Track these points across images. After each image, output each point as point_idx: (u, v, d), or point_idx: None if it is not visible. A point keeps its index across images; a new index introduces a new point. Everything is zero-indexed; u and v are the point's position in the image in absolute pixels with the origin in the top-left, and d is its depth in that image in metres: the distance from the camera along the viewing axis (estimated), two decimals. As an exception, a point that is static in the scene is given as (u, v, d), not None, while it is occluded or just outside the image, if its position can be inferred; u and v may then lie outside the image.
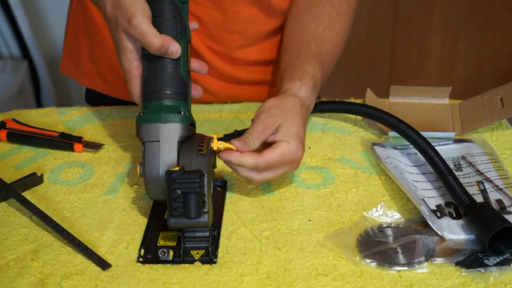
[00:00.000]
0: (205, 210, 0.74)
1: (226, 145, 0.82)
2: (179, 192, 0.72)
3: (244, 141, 0.82)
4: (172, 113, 0.78)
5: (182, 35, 0.81)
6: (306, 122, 0.90)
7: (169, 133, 0.78)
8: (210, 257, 0.76)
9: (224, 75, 1.11)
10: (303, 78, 0.93)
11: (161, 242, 0.79)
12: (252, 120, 0.87)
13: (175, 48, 0.79)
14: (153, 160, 0.77)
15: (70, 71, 1.21)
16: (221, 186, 0.89)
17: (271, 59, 1.13)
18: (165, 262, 0.76)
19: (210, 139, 0.80)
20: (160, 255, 0.76)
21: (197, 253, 0.77)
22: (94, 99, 1.22)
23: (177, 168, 0.73)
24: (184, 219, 0.74)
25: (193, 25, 0.88)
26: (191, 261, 0.76)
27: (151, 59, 0.81)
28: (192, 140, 0.79)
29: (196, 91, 0.87)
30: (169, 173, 0.72)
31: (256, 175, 0.83)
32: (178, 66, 0.81)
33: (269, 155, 0.82)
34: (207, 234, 0.77)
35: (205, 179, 0.74)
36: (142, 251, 0.78)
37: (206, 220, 0.74)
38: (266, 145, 0.84)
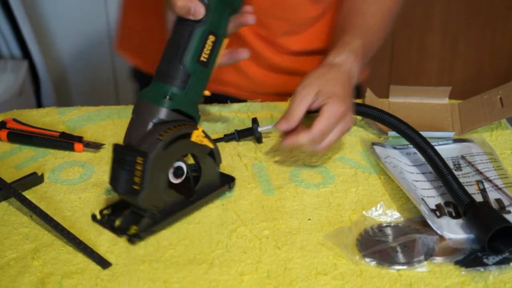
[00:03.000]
0: (139, 190, 0.77)
1: (203, 140, 0.83)
2: (115, 165, 0.78)
3: (286, 118, 0.89)
4: (159, 95, 0.80)
5: (201, 24, 0.82)
6: (347, 81, 0.94)
7: (144, 112, 0.81)
8: (139, 236, 0.79)
9: (265, 61, 1.12)
10: (338, 47, 0.98)
11: (125, 212, 0.81)
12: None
13: (196, 7, 0.81)
14: (126, 131, 0.81)
15: (124, 49, 1.25)
16: (228, 183, 0.89)
17: (312, 49, 1.15)
18: (105, 226, 0.81)
19: (190, 129, 0.81)
20: (105, 218, 0.82)
21: (134, 229, 0.80)
22: (140, 78, 1.26)
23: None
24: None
25: (243, 53, 0.91)
26: (124, 231, 0.80)
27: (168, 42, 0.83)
28: (164, 125, 0.80)
29: (244, 53, 0.90)
30: (114, 145, 0.79)
31: (318, 145, 0.89)
32: (184, 53, 0.81)
33: (318, 124, 0.88)
34: (147, 213, 0.80)
35: (147, 162, 0.76)
36: (106, 211, 0.82)
37: (140, 200, 0.78)
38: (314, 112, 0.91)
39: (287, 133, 0.90)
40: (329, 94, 0.90)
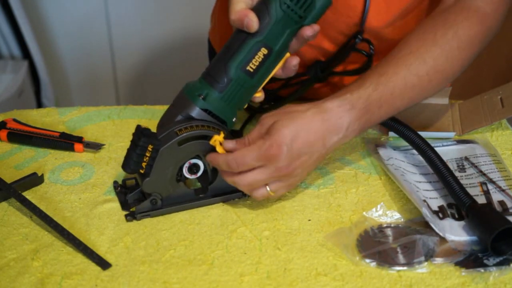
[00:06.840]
0: (144, 173, 0.82)
1: (218, 147, 0.82)
2: (131, 145, 0.82)
3: (239, 141, 0.82)
4: (195, 92, 0.83)
5: (255, 36, 0.82)
6: (323, 133, 0.81)
7: (178, 103, 0.84)
8: (134, 216, 0.84)
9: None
10: (342, 90, 0.85)
11: (137, 190, 0.87)
12: None
13: (249, 21, 0.80)
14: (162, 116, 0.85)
15: (213, 37, 1.25)
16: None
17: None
18: (117, 195, 0.88)
19: (212, 132, 0.82)
20: (119, 191, 0.88)
21: (132, 209, 0.85)
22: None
23: (148, 128, 0.82)
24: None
25: (294, 60, 0.85)
26: (127, 208, 0.86)
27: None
28: (190, 121, 0.82)
29: (294, 60, 0.85)
30: (137, 126, 0.82)
31: (236, 177, 0.81)
32: (231, 59, 0.82)
33: (238, 152, 0.80)
34: (150, 197, 0.83)
35: (157, 152, 0.80)
36: (128, 182, 0.88)
37: (144, 184, 0.82)
38: None
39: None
40: (272, 132, 0.79)
